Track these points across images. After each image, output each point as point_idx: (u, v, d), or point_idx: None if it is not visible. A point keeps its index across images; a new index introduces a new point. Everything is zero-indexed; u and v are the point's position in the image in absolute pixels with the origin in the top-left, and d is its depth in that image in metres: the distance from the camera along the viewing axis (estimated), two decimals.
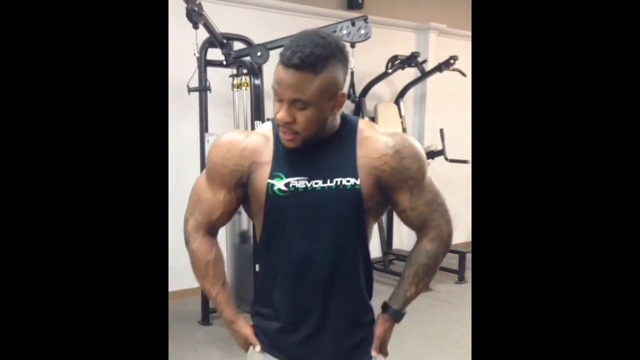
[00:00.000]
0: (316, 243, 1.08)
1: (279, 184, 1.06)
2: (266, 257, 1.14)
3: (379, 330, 1.18)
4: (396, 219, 5.18)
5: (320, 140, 1.07)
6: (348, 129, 1.11)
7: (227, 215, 1.15)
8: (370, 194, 1.08)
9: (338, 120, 1.10)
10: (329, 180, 1.06)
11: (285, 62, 0.98)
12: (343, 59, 1.02)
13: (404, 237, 5.18)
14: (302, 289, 1.11)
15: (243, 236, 3.28)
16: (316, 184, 1.06)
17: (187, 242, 1.18)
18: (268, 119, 1.18)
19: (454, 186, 5.33)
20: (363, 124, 1.14)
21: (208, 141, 3.23)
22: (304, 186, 1.06)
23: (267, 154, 1.09)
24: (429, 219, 1.15)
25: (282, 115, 1.01)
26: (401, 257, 4.67)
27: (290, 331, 1.14)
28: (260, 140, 1.11)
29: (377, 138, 1.11)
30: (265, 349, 1.19)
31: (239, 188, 1.11)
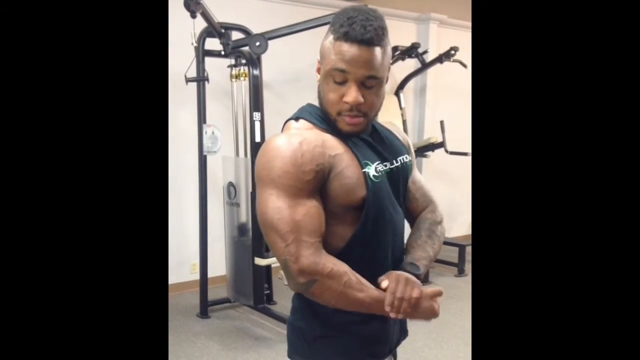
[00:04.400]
0: (398, 223, 1.06)
1: (371, 171, 0.99)
2: (362, 258, 1.01)
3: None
4: None
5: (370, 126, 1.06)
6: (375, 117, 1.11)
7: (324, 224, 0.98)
8: None
9: None
10: (394, 161, 1.06)
11: (357, 38, 0.92)
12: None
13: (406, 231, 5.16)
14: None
15: (241, 228, 3.26)
16: (385, 165, 1.04)
17: (314, 275, 0.93)
18: (297, 118, 1.05)
19: (454, 178, 5.34)
20: None
21: (206, 132, 3.20)
22: (385, 168, 1.03)
23: (337, 145, 0.99)
24: (430, 194, 1.20)
25: (354, 96, 0.94)
26: None
27: (365, 322, 1.05)
28: (320, 135, 0.99)
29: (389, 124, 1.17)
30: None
31: (319, 191, 0.97)
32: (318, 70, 1.01)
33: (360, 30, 0.92)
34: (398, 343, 1.16)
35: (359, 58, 0.93)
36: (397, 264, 1.06)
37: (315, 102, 1.07)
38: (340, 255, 0.99)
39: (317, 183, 0.95)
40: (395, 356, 1.18)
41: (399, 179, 1.08)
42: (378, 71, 0.95)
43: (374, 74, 0.95)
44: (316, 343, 1.06)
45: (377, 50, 0.94)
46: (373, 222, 1.00)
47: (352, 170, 0.97)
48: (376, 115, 1.03)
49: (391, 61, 1.04)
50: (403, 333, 1.18)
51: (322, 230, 0.96)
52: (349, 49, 0.92)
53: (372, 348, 1.08)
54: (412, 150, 1.19)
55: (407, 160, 1.10)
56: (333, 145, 0.98)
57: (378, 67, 0.95)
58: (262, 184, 0.95)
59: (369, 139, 1.04)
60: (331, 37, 0.96)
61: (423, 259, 1.07)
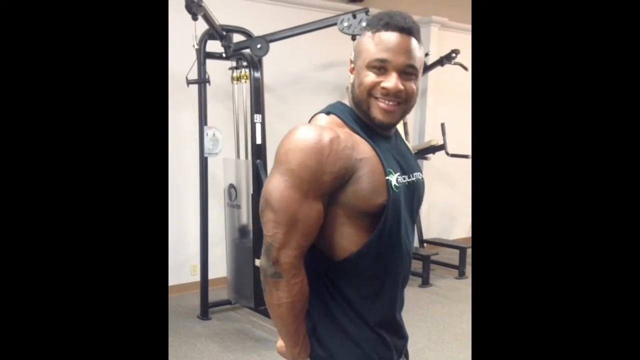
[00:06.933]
0: (409, 238, 1.06)
1: (393, 180, 0.98)
2: (375, 264, 1.00)
3: None
4: None
5: (389, 136, 1.06)
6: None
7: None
8: None
9: None
10: (410, 175, 1.06)
11: (397, 25, 0.96)
12: None
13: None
14: (401, 285, 1.07)
15: (242, 230, 3.26)
16: (404, 178, 1.03)
17: (281, 274, 0.96)
18: (327, 112, 1.03)
19: (454, 181, 5.34)
20: None
21: (207, 134, 3.21)
22: (404, 181, 1.03)
23: (365, 148, 0.97)
24: None
25: (394, 82, 0.95)
26: None
27: (395, 333, 1.08)
28: (350, 134, 0.98)
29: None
30: None
31: (329, 195, 0.96)
32: (351, 71, 1.02)
33: (401, 20, 0.96)
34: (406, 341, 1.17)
35: (400, 45, 0.96)
36: (404, 284, 1.08)
37: (318, 104, 1.08)
38: (348, 260, 0.99)
39: (332, 186, 0.94)
40: (407, 355, 1.19)
41: (414, 195, 1.07)
42: (416, 61, 0.97)
43: (412, 63, 0.97)
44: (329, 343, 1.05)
45: (415, 42, 0.97)
46: (389, 232, 0.98)
47: (374, 176, 0.96)
48: (410, 109, 1.03)
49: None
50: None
51: (314, 236, 0.96)
52: (390, 37, 0.96)
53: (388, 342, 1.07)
54: None
55: (421, 177, 1.09)
56: (361, 149, 0.97)
57: (416, 58, 0.97)
58: (279, 167, 0.94)
59: (393, 149, 1.05)
60: (369, 32, 0.98)
61: None
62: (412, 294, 3.96)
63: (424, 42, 1.01)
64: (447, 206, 5.42)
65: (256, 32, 3.30)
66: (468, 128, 3.61)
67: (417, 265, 4.25)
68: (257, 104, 3.03)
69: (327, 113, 1.03)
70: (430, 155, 4.53)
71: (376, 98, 0.97)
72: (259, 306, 3.16)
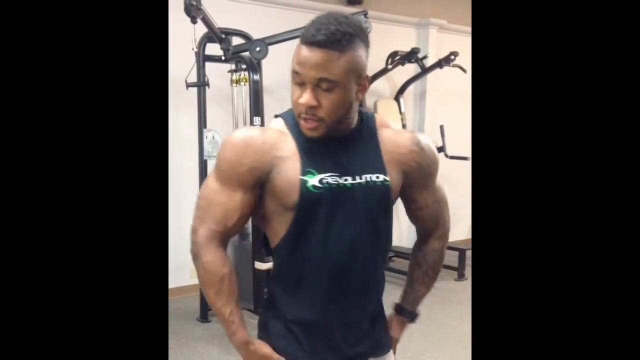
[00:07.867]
0: (348, 240, 1.03)
1: (313, 181, 0.99)
2: (290, 259, 1.05)
3: (397, 331, 1.20)
4: (395, 216, 5.22)
5: (343, 135, 1.04)
6: (367, 125, 1.08)
7: (244, 220, 1.05)
8: (396, 189, 1.09)
9: (356, 114, 1.05)
10: (357, 177, 1.03)
11: (309, 40, 0.93)
12: (365, 39, 0.97)
13: (403, 234, 5.17)
14: (334, 288, 1.04)
15: (241, 233, 3.26)
16: (345, 180, 1.02)
17: (197, 255, 1.05)
18: (277, 115, 1.09)
19: (454, 183, 5.32)
20: (379, 119, 1.13)
21: (206, 137, 3.21)
22: (336, 182, 1.01)
23: (289, 148, 1.01)
24: (440, 216, 1.19)
25: (306, 98, 0.95)
26: (401, 254, 4.66)
27: (319, 336, 1.07)
28: (277, 135, 1.03)
29: (399, 134, 1.12)
30: None
31: (256, 188, 1.02)
32: None
33: (313, 32, 0.93)
34: (363, 356, 1.13)
35: (309, 60, 0.93)
36: (353, 279, 1.05)
37: None
38: (275, 251, 1.08)
39: (249, 178, 1.01)
40: None
41: (356, 197, 1.03)
42: (332, 74, 0.93)
43: (325, 76, 0.93)
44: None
45: (332, 54, 0.92)
46: (302, 228, 1.02)
47: (289, 175, 1.00)
48: (340, 121, 1.00)
49: (365, 69, 1.00)
50: (375, 348, 1.14)
51: (229, 224, 1.03)
52: (302, 51, 0.94)
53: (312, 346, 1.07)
54: (430, 169, 1.12)
55: (377, 179, 1.04)
56: (283, 148, 1.02)
57: (332, 70, 0.93)
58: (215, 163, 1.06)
59: (334, 148, 1.03)
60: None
61: (411, 303, 1.21)
62: None
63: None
64: None
65: (255, 34, 3.30)
66: (467, 130, 3.59)
67: None
68: (257, 107, 3.04)
69: (277, 116, 1.10)
70: None
71: (300, 117, 0.99)
72: (258, 308, 3.15)
